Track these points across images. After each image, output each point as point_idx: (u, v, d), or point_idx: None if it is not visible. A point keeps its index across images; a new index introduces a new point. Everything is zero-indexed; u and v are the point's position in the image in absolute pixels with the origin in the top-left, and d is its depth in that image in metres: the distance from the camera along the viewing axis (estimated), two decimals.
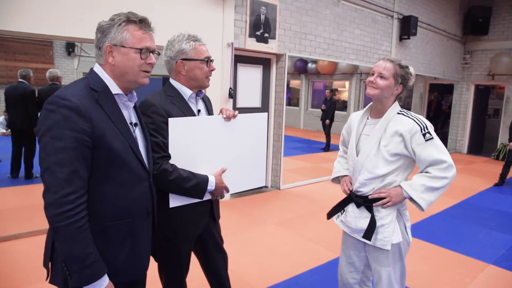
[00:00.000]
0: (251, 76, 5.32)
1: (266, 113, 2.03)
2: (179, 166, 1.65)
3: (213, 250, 2.02)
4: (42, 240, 3.50)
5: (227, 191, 1.83)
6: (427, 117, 11.08)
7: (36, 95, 5.42)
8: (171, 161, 1.63)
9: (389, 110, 1.82)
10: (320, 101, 12.88)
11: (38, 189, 4.96)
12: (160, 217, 1.63)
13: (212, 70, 1.78)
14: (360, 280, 2.07)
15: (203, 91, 1.88)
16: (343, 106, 13.00)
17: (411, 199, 1.76)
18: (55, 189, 1.11)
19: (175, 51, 1.71)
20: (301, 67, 13.14)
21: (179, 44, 1.71)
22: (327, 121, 9.23)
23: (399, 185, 1.79)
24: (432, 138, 1.73)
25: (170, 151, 1.63)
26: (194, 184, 1.66)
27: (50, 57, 11.83)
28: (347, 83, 13.01)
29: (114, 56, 1.26)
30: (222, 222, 2.11)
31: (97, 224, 1.24)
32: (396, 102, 1.86)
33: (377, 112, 1.87)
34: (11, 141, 5.53)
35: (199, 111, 1.83)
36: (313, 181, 6.22)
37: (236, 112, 1.81)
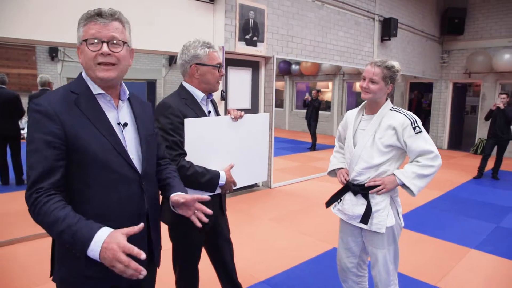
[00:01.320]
0: (241, 79, 5.49)
1: (268, 113, 2.19)
2: (194, 162, 1.80)
3: (221, 241, 2.18)
4: (34, 244, 3.57)
5: (235, 185, 1.99)
6: None
7: (28, 100, 5.45)
8: (187, 158, 1.78)
9: (382, 107, 2.02)
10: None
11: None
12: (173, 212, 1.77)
13: (221, 76, 1.94)
14: (357, 263, 2.26)
15: (212, 94, 2.03)
16: (327, 106, 13.27)
17: (403, 185, 1.96)
18: (27, 189, 1.14)
19: (190, 56, 1.86)
20: (285, 69, 13.37)
21: (194, 49, 1.85)
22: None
23: (393, 173, 1.98)
24: (421, 131, 1.95)
25: (185, 149, 1.78)
26: (208, 178, 1.81)
27: (33, 62, 11.71)
28: (330, 84, 13.29)
29: (80, 54, 1.26)
30: None
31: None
32: (388, 100, 2.06)
33: (372, 109, 2.07)
34: None
35: (209, 112, 1.99)
36: (302, 179, 6.42)
37: (243, 112, 1.97)
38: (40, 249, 3.37)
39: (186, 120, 1.74)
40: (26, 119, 5.73)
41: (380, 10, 7.65)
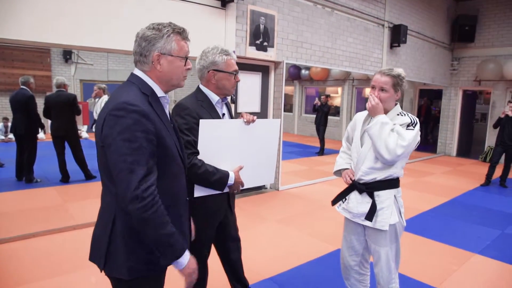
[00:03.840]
0: (251, 83, 5.61)
1: (279, 119, 2.28)
2: (205, 161, 1.90)
3: (230, 237, 2.29)
4: (41, 240, 3.71)
5: (243, 186, 2.08)
6: None
7: (44, 101, 5.65)
8: (199, 157, 1.89)
9: (391, 111, 2.12)
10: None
11: (39, 193, 5.18)
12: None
13: (237, 82, 2.04)
14: (359, 262, 2.34)
15: (227, 98, 2.13)
16: (336, 111, 13.33)
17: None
18: (136, 185, 1.23)
19: (208, 62, 1.97)
20: (294, 74, 13.47)
21: (212, 56, 1.96)
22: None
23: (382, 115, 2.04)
24: (412, 129, 2.04)
25: (198, 148, 1.88)
26: (218, 178, 1.91)
27: (48, 64, 12.02)
28: (339, 89, 13.36)
29: (161, 64, 1.40)
30: None
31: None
32: (398, 105, 2.16)
33: None
34: (11, 147, 5.73)
35: (223, 114, 2.11)
36: (310, 183, 6.50)
37: (255, 117, 2.07)
38: (34, 247, 3.51)
39: (201, 121, 1.84)
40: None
41: (390, 17, 7.72)
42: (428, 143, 11.78)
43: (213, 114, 2.00)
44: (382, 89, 2.07)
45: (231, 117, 2.22)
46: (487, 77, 9.53)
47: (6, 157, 6.80)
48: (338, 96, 13.52)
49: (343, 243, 2.38)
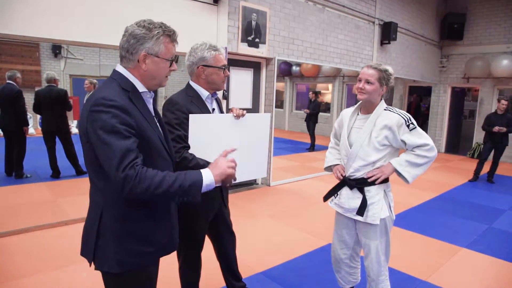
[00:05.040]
0: (243, 79, 5.62)
1: (270, 113, 2.31)
2: (196, 155, 1.92)
3: (224, 231, 2.33)
4: (33, 236, 3.70)
5: (234, 179, 2.11)
6: None
7: (34, 96, 5.61)
8: (190, 151, 1.91)
9: (377, 107, 2.15)
10: (304, 103, 13.27)
11: (29, 188, 5.16)
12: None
13: (226, 76, 2.07)
14: (350, 255, 2.39)
15: (217, 93, 2.16)
16: (326, 108, 13.40)
17: (398, 172, 2.08)
18: (120, 168, 1.23)
19: (197, 58, 2.00)
20: (285, 70, 13.49)
21: (201, 52, 1.99)
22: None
23: (389, 162, 2.12)
24: (415, 127, 2.09)
25: (189, 142, 1.90)
26: None
27: (37, 58, 11.85)
28: (330, 86, 13.43)
29: (146, 64, 1.41)
30: None
31: (144, 208, 1.42)
32: (383, 100, 2.19)
33: (367, 109, 2.20)
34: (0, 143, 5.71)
35: (213, 109, 2.13)
36: (301, 178, 6.55)
37: (245, 111, 2.09)
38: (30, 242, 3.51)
39: (191, 115, 1.86)
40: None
41: (380, 14, 7.78)
42: None
43: (203, 109, 2.03)
44: (367, 82, 2.10)
45: (221, 112, 2.24)
46: (475, 75, 9.68)
47: None
48: (328, 92, 13.60)
49: (334, 236, 2.43)
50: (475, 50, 9.89)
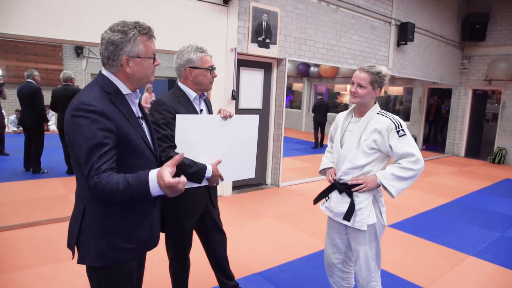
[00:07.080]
0: (253, 79, 5.63)
1: (258, 115, 2.30)
2: (184, 155, 1.95)
3: (213, 231, 2.34)
4: (42, 229, 3.80)
5: (221, 179, 2.13)
6: (427, 121, 11.34)
7: (51, 94, 5.79)
8: (176, 150, 1.94)
9: (370, 110, 2.12)
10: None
11: (44, 183, 5.32)
12: (167, 199, 1.93)
13: (214, 77, 2.10)
14: (342, 260, 2.36)
15: (205, 94, 2.19)
16: (345, 108, 13.22)
17: (383, 186, 2.05)
18: (89, 171, 1.29)
19: (184, 60, 2.04)
20: (303, 71, 13.41)
21: (188, 54, 2.04)
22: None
23: (375, 174, 2.08)
24: (405, 134, 2.04)
25: (176, 142, 1.93)
26: (195, 170, 1.96)
27: (60, 58, 12.20)
28: (348, 87, 13.24)
29: (130, 66, 1.44)
30: (224, 214, 2.40)
31: (124, 205, 1.46)
32: (377, 104, 2.16)
33: (360, 112, 2.17)
34: (21, 139, 5.93)
35: (201, 110, 2.16)
36: (310, 180, 6.51)
37: (232, 112, 2.11)
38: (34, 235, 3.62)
39: (177, 115, 1.90)
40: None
41: (397, 14, 7.64)
42: (437, 142, 11.65)
43: (191, 110, 2.06)
44: (360, 85, 2.07)
45: (209, 113, 2.27)
46: (497, 77, 9.36)
47: (15, 148, 6.96)
48: (347, 93, 13.45)
49: (326, 240, 2.41)
50: (498, 51, 9.56)
